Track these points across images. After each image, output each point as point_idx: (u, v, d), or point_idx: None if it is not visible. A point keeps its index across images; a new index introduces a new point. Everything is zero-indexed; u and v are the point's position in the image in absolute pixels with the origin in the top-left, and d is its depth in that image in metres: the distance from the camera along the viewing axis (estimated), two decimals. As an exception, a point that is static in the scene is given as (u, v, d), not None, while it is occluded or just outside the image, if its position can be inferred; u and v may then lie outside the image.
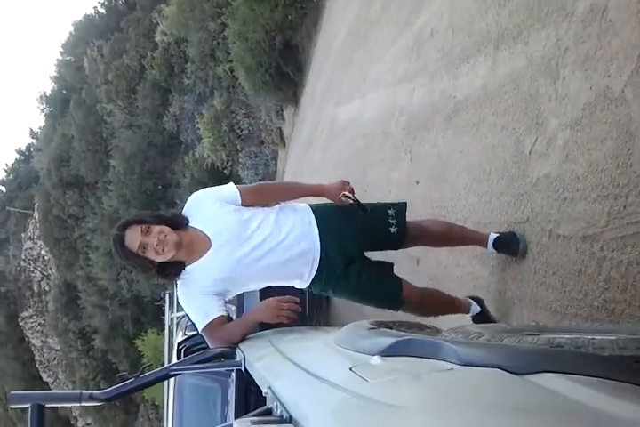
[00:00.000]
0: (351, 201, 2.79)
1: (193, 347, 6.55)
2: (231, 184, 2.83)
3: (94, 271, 25.92)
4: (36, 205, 34.35)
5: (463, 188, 3.90)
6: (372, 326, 1.75)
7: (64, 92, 37.31)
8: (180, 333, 7.80)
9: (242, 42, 13.93)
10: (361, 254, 2.93)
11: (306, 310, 6.52)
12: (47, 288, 34.03)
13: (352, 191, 2.82)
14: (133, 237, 2.58)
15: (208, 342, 2.74)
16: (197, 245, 2.70)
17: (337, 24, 10.26)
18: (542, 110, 3.01)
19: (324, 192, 2.87)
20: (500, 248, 3.18)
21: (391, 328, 1.84)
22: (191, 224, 2.73)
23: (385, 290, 2.92)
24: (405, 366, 1.37)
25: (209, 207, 2.73)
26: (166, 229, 2.61)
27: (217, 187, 2.86)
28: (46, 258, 34.25)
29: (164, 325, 11.42)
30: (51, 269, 33.92)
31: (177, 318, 9.65)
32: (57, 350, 32.47)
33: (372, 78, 7.09)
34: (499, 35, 3.65)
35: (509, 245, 3.11)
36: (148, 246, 2.57)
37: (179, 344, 7.19)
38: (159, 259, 2.62)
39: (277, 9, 12.70)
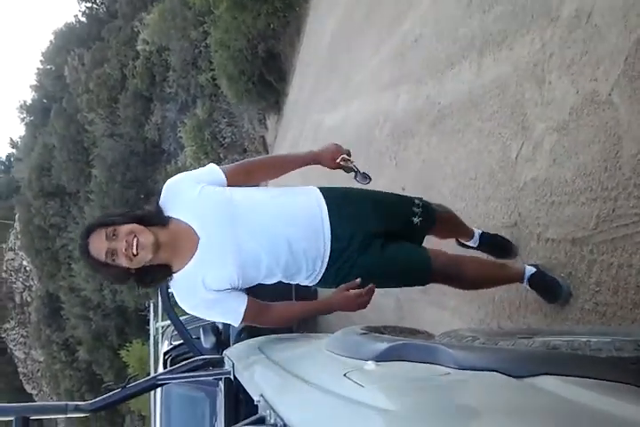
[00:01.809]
0: (350, 165, 2.45)
1: (179, 356, 6.50)
2: (211, 164, 2.44)
3: (77, 282, 25.72)
4: (16, 216, 34.04)
5: (449, 193, 3.89)
6: (364, 331, 1.73)
7: (45, 101, 37.09)
8: (166, 342, 7.72)
9: (224, 50, 13.92)
10: (380, 234, 2.44)
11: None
12: (29, 299, 33.68)
13: (349, 155, 2.47)
14: (98, 246, 2.18)
15: (257, 324, 2.43)
16: (184, 241, 2.26)
17: (320, 32, 10.27)
18: (528, 115, 3.01)
19: (317, 158, 2.46)
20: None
21: (382, 333, 1.82)
22: (170, 214, 2.30)
23: (412, 256, 2.45)
24: (401, 371, 1.35)
25: (188, 192, 2.31)
26: (137, 227, 2.19)
27: (194, 170, 2.47)
28: (28, 269, 33.91)
29: (148, 335, 11.31)
30: (33, 280, 33.58)
31: (162, 327, 9.56)
32: (40, 362, 32.13)
33: (356, 85, 7.10)
34: (483, 41, 3.65)
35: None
36: (118, 252, 2.16)
37: (164, 354, 7.12)
38: (133, 265, 2.20)
39: (260, 17, 12.69)
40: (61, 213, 28.90)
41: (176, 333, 6.66)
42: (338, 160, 2.44)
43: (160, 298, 7.72)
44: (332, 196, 2.42)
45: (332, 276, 2.40)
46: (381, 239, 2.41)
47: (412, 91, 4.87)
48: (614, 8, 2.47)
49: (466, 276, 2.49)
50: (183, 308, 2.36)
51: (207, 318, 2.47)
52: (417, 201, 2.57)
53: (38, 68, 38.78)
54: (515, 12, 3.32)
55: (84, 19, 35.60)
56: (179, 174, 2.42)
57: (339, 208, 2.38)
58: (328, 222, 2.34)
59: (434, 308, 4.00)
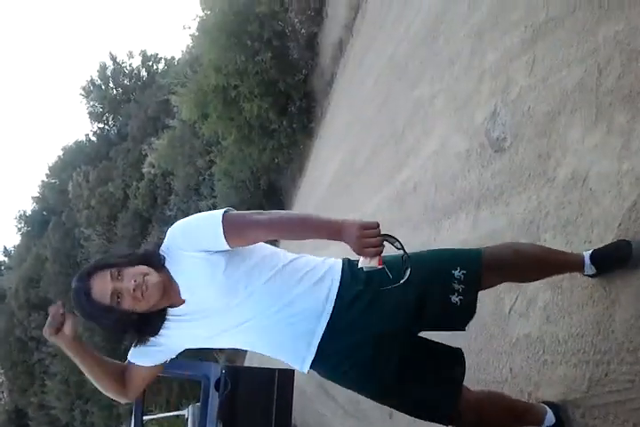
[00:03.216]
0: (378, 267, 1.83)
1: None
2: (218, 218, 2.03)
3: (48, 399, 24.88)
4: (-3, 325, 33.43)
5: (440, 340, 3.84)
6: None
7: (44, 213, 37.57)
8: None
9: (228, 180, 14.36)
10: (403, 331, 2.11)
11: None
12: (-5, 414, 32.31)
13: (379, 243, 1.83)
14: (103, 287, 1.97)
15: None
16: (174, 293, 2.08)
17: (321, 171, 10.61)
18: (523, 270, 3.04)
19: (339, 236, 1.93)
20: (602, 264, 2.39)
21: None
22: (168, 266, 2.09)
23: (433, 393, 2.09)
24: None
25: (185, 258, 2.08)
26: (144, 268, 2.02)
27: (199, 221, 2.13)
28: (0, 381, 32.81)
29: (114, 465, 10.76)
30: (3, 393, 32.38)
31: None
32: (-7, 486, 30.27)
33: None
34: (480, 194, 3.78)
35: (615, 253, 2.35)
36: (124, 293, 1.97)
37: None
38: (140, 307, 2.00)
39: (265, 152, 13.20)
40: (44, 326, 28.36)
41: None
42: (362, 254, 1.86)
43: (133, 422, 7.44)
44: (348, 295, 2.07)
45: (328, 374, 2.16)
46: (398, 343, 2.08)
47: (407, 236, 4.95)
48: (609, 175, 2.57)
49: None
50: None
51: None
52: (457, 273, 2.09)
53: (42, 181, 39.65)
54: (512, 169, 3.45)
55: (94, 138, 36.91)
56: (182, 225, 2.17)
57: (355, 300, 2.04)
58: (327, 319, 2.05)
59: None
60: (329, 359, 2.08)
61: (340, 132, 9.84)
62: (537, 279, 2.54)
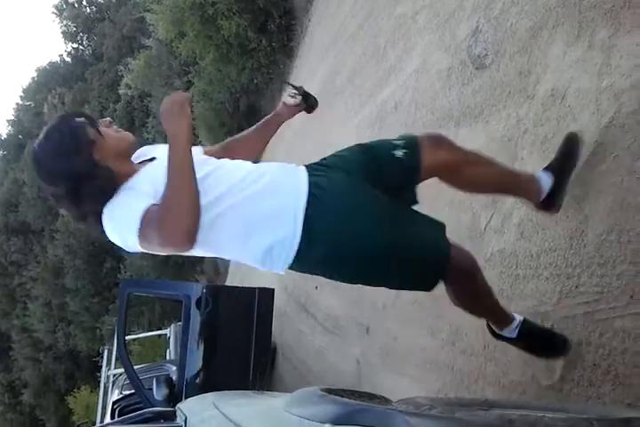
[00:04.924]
0: (293, 98, 2.61)
1: (129, 407, 6.35)
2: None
3: (30, 322, 25.17)
4: (-23, 250, 33.45)
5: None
6: (323, 393, 1.72)
7: (20, 136, 36.91)
8: (117, 391, 7.56)
9: (206, 101, 14.10)
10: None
11: (249, 372, 6.41)
12: (-22, 336, 32.76)
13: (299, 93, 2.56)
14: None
15: (157, 240, 1.89)
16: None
17: (301, 91, 10.43)
18: (499, 188, 3.07)
19: (279, 116, 2.60)
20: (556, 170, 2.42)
21: (342, 396, 1.81)
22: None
23: (426, 236, 2.11)
24: (357, 435, 1.35)
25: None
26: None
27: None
28: (-19, 305, 33.08)
29: (98, 382, 11.05)
30: (-15, 317, 32.74)
31: (114, 375, 9.36)
32: (-19, 403, 31.01)
33: (332, 147, 7.18)
34: (460, 112, 3.76)
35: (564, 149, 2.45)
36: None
37: (114, 403, 6.98)
38: (115, 135, 2.20)
39: (244, 72, 12.92)
40: (23, 250, 28.43)
41: (128, 382, 6.53)
42: (287, 102, 2.59)
43: (116, 343, 7.58)
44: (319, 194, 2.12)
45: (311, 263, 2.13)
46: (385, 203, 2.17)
47: (387, 155, 4.95)
48: (587, 91, 2.56)
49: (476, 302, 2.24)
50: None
51: (111, 228, 2.05)
52: (398, 142, 2.28)
53: (17, 104, 38.73)
54: (493, 86, 3.43)
55: (68, 59, 35.87)
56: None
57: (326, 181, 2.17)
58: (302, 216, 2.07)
59: (393, 374, 3.97)
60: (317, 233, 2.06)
61: (321, 50, 9.65)
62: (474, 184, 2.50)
